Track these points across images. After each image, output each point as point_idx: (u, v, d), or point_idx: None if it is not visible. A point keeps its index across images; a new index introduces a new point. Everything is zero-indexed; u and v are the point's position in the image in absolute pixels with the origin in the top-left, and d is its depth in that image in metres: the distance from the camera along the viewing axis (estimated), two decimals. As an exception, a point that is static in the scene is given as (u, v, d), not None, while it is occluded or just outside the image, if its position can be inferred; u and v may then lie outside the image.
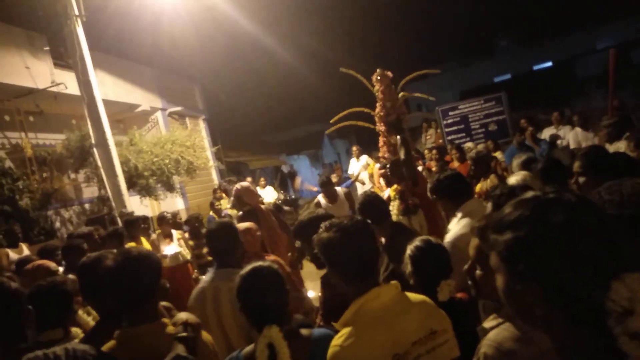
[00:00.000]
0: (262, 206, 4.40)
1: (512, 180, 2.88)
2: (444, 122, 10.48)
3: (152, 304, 1.71)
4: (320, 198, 6.13)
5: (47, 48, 9.14)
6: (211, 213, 8.22)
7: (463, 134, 10.06)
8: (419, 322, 1.54)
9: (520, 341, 1.28)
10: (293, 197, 15.07)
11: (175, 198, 11.72)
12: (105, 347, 1.64)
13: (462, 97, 14.51)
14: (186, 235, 6.13)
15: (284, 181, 21.88)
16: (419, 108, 24.23)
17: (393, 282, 1.61)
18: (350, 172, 10.24)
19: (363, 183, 9.60)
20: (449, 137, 10.21)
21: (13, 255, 6.23)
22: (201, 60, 13.56)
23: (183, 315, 1.77)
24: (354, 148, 10.26)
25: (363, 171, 9.53)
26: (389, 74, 4.65)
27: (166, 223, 5.46)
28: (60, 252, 4.07)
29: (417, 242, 2.19)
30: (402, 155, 3.94)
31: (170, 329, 1.67)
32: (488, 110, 9.95)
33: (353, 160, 10.12)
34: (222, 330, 2.38)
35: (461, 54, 28.12)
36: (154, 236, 5.60)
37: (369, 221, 1.65)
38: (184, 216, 9.08)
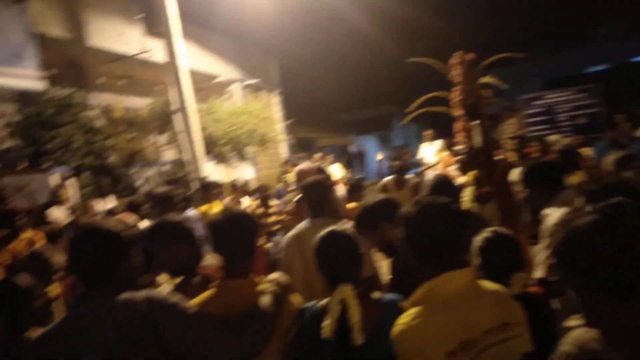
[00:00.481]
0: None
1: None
2: (527, 111, 9.86)
3: (248, 261, 1.82)
4: (387, 182, 6.07)
5: (140, 16, 9.67)
6: (279, 185, 8.43)
7: (547, 126, 9.42)
8: (491, 312, 1.49)
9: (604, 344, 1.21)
10: (358, 177, 15.00)
11: (247, 167, 12.15)
12: (203, 295, 1.78)
13: (550, 86, 13.51)
14: (255, 203, 6.35)
15: (350, 160, 21.86)
16: (499, 95, 22.93)
17: (468, 269, 1.57)
18: (421, 156, 10.00)
19: (434, 169, 9.35)
20: (531, 128, 9.61)
21: (99, 206, 6.84)
22: (281, 35, 13.68)
23: (274, 275, 1.85)
24: (428, 132, 9.97)
25: (435, 156, 9.27)
26: (470, 55, 4.34)
27: (238, 190, 5.70)
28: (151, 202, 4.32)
29: (486, 233, 2.06)
30: (478, 142, 3.77)
31: (262, 286, 1.77)
32: (579, 102, 9.21)
33: (425, 145, 9.86)
34: (308, 275, 2.53)
35: (551, 40, 25.98)
36: (226, 201, 5.85)
37: (454, 205, 1.62)
38: (253, 185, 9.39)
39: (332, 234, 1.85)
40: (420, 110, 4.30)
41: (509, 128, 11.37)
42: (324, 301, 1.77)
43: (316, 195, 2.87)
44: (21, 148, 7.42)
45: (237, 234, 1.80)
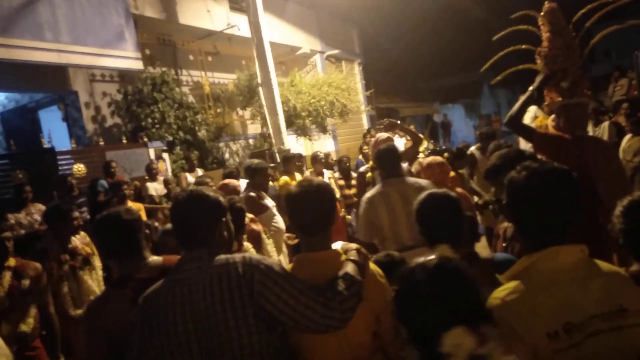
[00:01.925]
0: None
1: None
2: (643, 70, 8.64)
3: (326, 233, 1.77)
4: (474, 151, 5.70)
5: (225, -8, 9.90)
6: (360, 157, 8.32)
7: (667, 86, 8.21)
8: (604, 294, 1.29)
9: None
10: (444, 147, 14.40)
11: (327, 139, 12.18)
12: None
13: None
14: (336, 175, 6.33)
15: (434, 131, 21.04)
16: (607, 54, 20.47)
17: (581, 246, 1.36)
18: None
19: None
20: (647, 90, 8.44)
21: (191, 178, 7.24)
22: (360, 4, 13.30)
23: (354, 245, 1.81)
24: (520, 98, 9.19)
25: (531, 124, 8.53)
26: (554, 5, 3.53)
27: (319, 162, 5.69)
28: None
29: (633, 196, 1.84)
30: (512, 110, 3.11)
31: (344, 257, 1.73)
32: None
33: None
34: (394, 222, 3.01)
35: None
36: (307, 173, 5.90)
37: (568, 170, 1.39)
38: (334, 157, 9.39)
39: (431, 195, 1.89)
40: (508, 71, 3.68)
41: (620, 90, 10.13)
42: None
43: (388, 160, 3.23)
44: (122, 124, 8.08)
45: (315, 206, 1.74)
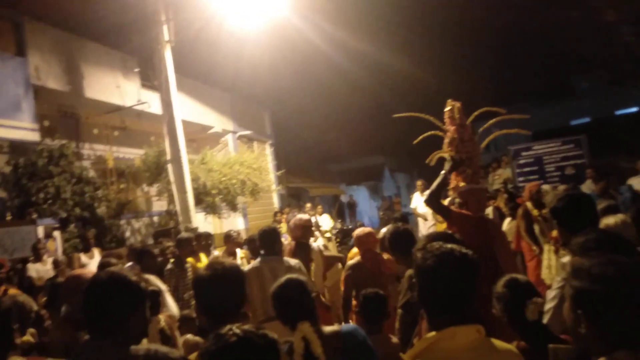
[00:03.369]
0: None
1: (607, 222, 2.62)
2: (515, 162, 10.04)
3: (239, 318, 1.74)
4: (383, 231, 6.03)
5: (137, 70, 9.91)
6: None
7: (536, 176, 9.56)
8: None
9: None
10: (350, 227, 14.92)
11: (237, 217, 12.04)
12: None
13: (535, 139, 13.88)
14: (247, 253, 6.22)
15: (342, 210, 21.82)
16: (487, 147, 23.42)
17: (476, 325, 1.48)
18: (412, 206, 10.01)
19: (425, 219, 9.34)
20: (520, 178, 9.75)
21: (85, 259, 6.65)
22: (273, 88, 14.08)
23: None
24: (419, 182, 10.06)
25: (426, 207, 9.28)
26: (458, 104, 4.18)
27: (232, 241, 5.58)
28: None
29: (503, 280, 2.12)
30: (429, 190, 3.62)
31: None
32: (565, 153, 9.43)
33: (416, 195, 9.91)
34: (263, 295, 3.28)
35: (535, 94, 27.00)
36: (217, 253, 5.73)
37: (470, 255, 1.51)
38: (244, 236, 9.25)
39: (288, 281, 2.12)
40: (436, 154, 4.13)
41: (498, 179, 11.55)
42: (288, 341, 1.91)
43: (268, 239, 3.71)
44: (9, 200, 7.31)
45: (225, 290, 1.74)
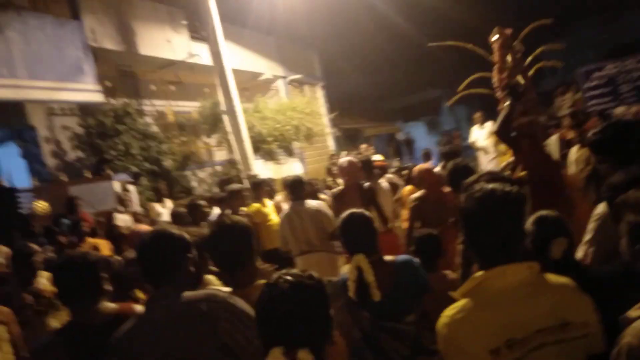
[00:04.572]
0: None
1: None
2: (586, 85, 9.25)
3: (249, 268, 1.86)
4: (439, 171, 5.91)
5: (185, 22, 9.97)
6: (328, 178, 8.44)
7: (609, 98, 8.80)
8: (548, 309, 1.38)
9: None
10: (409, 164, 14.75)
11: (295, 163, 12.28)
12: None
13: (611, 56, 12.60)
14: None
15: (398, 148, 21.52)
16: (553, 71, 21.68)
17: (530, 263, 1.45)
18: (471, 140, 9.67)
19: (486, 152, 9.02)
20: (591, 102, 9.02)
21: (159, 208, 7.15)
22: (320, 28, 13.68)
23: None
24: (477, 114, 9.61)
25: (487, 139, 8.92)
26: (508, 31, 3.94)
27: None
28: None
29: (534, 216, 2.09)
30: (498, 120, 3.47)
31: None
32: (645, 70, 8.53)
33: (475, 128, 9.52)
34: (305, 233, 4.11)
35: (607, 5, 24.02)
36: (278, 198, 5.93)
37: (513, 194, 1.46)
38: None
39: (350, 215, 2.27)
40: (465, 92, 4.04)
41: (565, 103, 10.76)
42: (346, 269, 2.17)
43: (296, 186, 4.32)
44: (85, 158, 7.91)
45: (228, 246, 1.85)
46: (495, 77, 3.51)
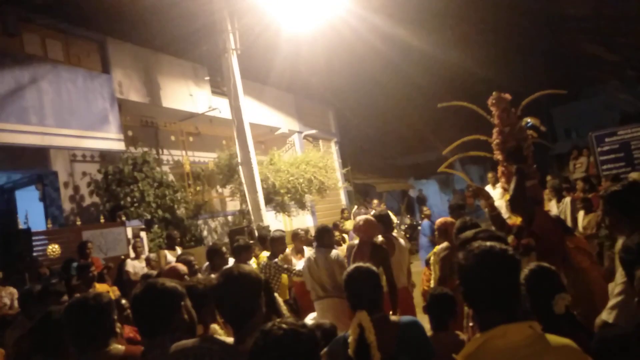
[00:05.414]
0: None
1: None
2: (599, 149, 9.31)
3: (255, 319, 1.79)
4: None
5: (207, 78, 10.47)
6: (337, 233, 8.43)
7: (622, 163, 8.80)
8: None
9: None
10: (420, 222, 14.66)
11: (306, 215, 12.31)
12: None
13: (624, 122, 12.72)
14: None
15: (411, 206, 21.47)
16: (567, 134, 21.88)
17: (531, 322, 1.44)
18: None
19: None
20: (605, 167, 9.03)
21: (170, 256, 7.17)
22: (336, 86, 14.18)
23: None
24: (490, 174, 9.65)
25: (501, 199, 8.89)
26: (507, 96, 4.05)
27: (299, 240, 5.73)
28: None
29: (530, 266, 2.17)
30: (511, 188, 3.43)
31: None
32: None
33: (488, 188, 9.52)
34: (320, 279, 4.32)
35: (624, 73, 24.46)
36: (287, 251, 5.93)
37: (509, 251, 1.49)
38: (313, 233, 9.44)
39: (355, 269, 2.21)
40: (457, 156, 4.09)
41: (580, 167, 10.76)
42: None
43: (322, 235, 4.56)
44: (100, 204, 8.09)
45: (238, 296, 1.81)
46: (494, 140, 3.55)
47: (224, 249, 4.99)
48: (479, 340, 1.44)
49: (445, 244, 4.15)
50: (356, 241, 4.72)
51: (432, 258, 4.55)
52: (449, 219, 4.53)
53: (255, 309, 1.81)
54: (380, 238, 4.46)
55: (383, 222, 4.66)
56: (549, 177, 8.96)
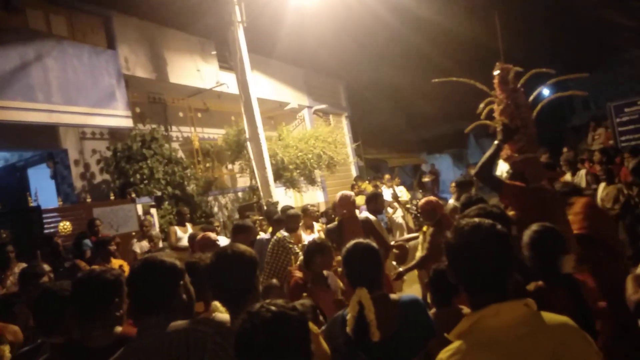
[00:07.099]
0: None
1: None
2: (617, 120, 9.01)
3: (253, 299, 1.75)
4: (453, 202, 5.79)
5: (214, 52, 10.31)
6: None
7: (642, 134, 8.53)
8: (548, 350, 1.28)
9: None
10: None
11: (316, 191, 12.27)
12: None
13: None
14: (324, 227, 6.33)
15: (422, 180, 21.28)
16: (585, 105, 21.28)
17: (526, 300, 1.37)
18: (497, 173, 9.47)
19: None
20: (623, 138, 8.75)
21: (180, 232, 7.21)
22: (346, 60, 13.88)
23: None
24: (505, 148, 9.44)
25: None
26: (507, 66, 3.74)
27: (309, 215, 5.69)
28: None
29: (534, 227, 2.24)
30: (484, 156, 3.25)
31: None
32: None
33: (501, 162, 9.33)
34: None
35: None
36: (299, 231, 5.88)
37: (502, 227, 1.42)
38: (323, 208, 9.43)
39: (354, 245, 2.12)
40: (477, 123, 3.84)
41: (598, 139, 10.47)
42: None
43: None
44: (111, 181, 8.12)
45: (230, 274, 1.76)
46: (496, 113, 3.35)
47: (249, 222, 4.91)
48: (471, 318, 1.37)
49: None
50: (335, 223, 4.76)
51: (420, 237, 4.47)
52: (433, 198, 4.42)
53: (251, 288, 1.77)
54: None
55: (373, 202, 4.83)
56: (565, 150, 8.73)
